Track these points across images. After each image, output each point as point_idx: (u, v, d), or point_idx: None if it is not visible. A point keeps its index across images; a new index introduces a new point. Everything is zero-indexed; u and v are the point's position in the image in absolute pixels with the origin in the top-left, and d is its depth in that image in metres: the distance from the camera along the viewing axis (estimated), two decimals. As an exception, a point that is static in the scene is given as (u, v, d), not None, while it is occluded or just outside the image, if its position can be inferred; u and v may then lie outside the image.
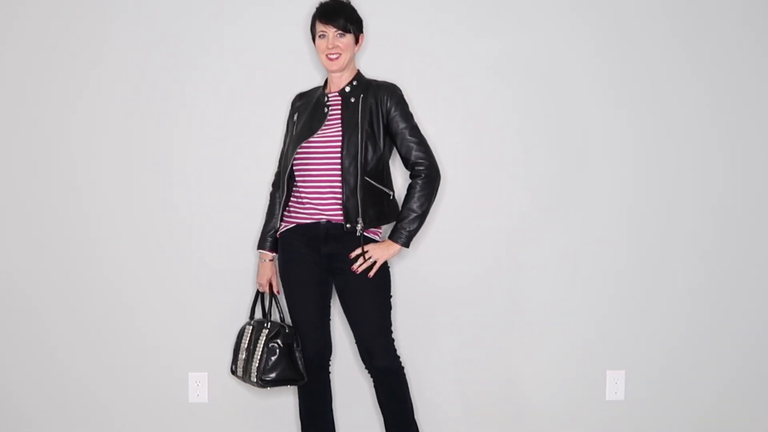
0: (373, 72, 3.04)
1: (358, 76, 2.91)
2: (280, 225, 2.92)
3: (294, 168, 2.85)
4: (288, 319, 2.98)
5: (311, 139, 2.83)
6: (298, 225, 2.86)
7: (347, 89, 2.87)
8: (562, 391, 3.37)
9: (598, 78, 3.29)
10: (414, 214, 2.83)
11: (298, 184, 2.87)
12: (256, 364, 2.87)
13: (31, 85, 3.21)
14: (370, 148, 2.81)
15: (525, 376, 3.36)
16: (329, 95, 2.89)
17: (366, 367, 2.91)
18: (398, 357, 2.90)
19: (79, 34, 3.21)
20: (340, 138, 2.81)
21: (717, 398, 3.41)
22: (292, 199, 2.90)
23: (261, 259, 2.99)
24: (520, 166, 3.30)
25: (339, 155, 2.79)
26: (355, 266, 2.80)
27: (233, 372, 2.98)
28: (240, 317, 3.25)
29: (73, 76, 3.21)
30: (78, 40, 3.21)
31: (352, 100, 2.84)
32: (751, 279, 3.39)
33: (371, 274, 2.80)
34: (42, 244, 3.25)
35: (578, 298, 3.35)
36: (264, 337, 2.88)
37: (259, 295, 3.05)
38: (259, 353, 2.88)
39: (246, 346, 2.94)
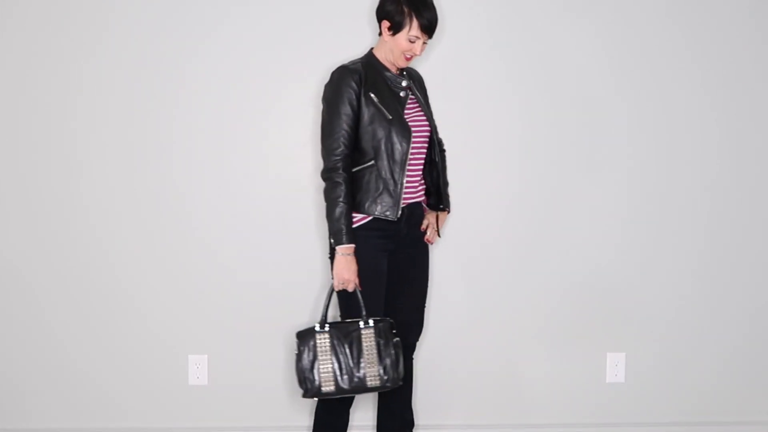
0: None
1: None
2: (363, 215, 2.78)
3: (396, 148, 2.77)
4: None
5: (408, 120, 2.80)
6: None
7: (404, 72, 2.89)
8: (562, 374, 3.37)
9: (598, 63, 3.28)
10: (447, 186, 3.02)
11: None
12: (385, 367, 2.74)
13: (32, 73, 3.19)
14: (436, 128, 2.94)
15: (525, 359, 3.36)
16: (398, 76, 2.85)
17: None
18: None
19: (78, 24, 3.18)
20: (425, 119, 2.87)
21: (716, 380, 3.41)
22: (384, 181, 2.78)
23: (344, 253, 2.74)
24: (518, 147, 3.30)
25: (428, 136, 2.87)
26: (430, 237, 2.94)
27: (314, 391, 2.74)
28: (241, 299, 3.25)
29: (74, 63, 3.19)
30: (77, 31, 3.18)
31: (410, 82, 2.89)
32: (750, 261, 3.39)
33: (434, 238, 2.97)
34: (41, 228, 3.24)
35: (577, 280, 3.34)
36: (385, 334, 2.75)
37: (332, 295, 2.82)
38: (384, 353, 2.74)
39: (334, 354, 2.75)
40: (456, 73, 3.25)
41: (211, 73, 3.21)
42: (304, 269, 3.26)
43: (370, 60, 2.85)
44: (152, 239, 3.25)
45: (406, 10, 2.72)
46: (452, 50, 3.23)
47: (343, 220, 2.72)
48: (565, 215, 3.32)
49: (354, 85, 2.75)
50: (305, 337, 2.78)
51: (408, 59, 2.80)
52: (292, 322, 3.25)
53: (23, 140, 3.21)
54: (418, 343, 3.02)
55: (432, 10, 2.76)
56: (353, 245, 2.74)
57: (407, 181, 2.82)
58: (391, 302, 2.91)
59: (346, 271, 2.73)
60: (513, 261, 3.33)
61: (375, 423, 3.08)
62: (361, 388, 2.75)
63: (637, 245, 3.35)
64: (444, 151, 3.03)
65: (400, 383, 2.79)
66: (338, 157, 2.74)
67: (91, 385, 3.29)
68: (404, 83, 2.85)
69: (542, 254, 3.33)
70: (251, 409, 3.31)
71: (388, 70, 2.84)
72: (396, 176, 2.78)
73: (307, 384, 2.76)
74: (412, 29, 2.74)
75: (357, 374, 2.74)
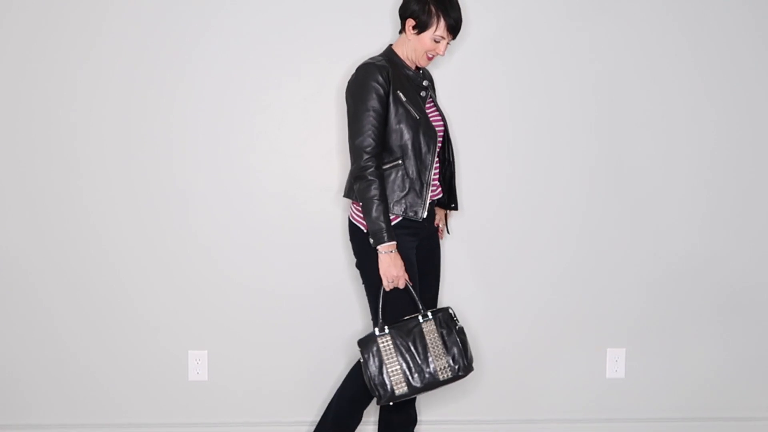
0: (380, 49, 3.02)
1: None
2: (398, 210, 2.75)
3: (422, 148, 2.75)
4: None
5: (432, 122, 2.81)
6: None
7: (422, 71, 2.88)
8: (562, 369, 3.37)
9: (600, 61, 3.28)
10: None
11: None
12: (455, 357, 2.72)
13: (30, 70, 3.17)
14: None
15: (525, 354, 3.36)
16: (424, 79, 2.84)
17: None
18: None
19: (76, 19, 3.16)
20: (441, 119, 2.88)
21: (716, 376, 3.42)
22: (410, 181, 2.75)
23: (387, 251, 2.69)
24: (516, 142, 3.30)
25: (443, 136, 2.87)
26: (443, 232, 3.01)
27: (389, 395, 2.70)
28: (241, 295, 3.24)
29: (72, 59, 3.17)
30: (75, 27, 3.16)
31: (427, 83, 2.88)
32: (749, 256, 3.39)
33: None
34: (41, 225, 3.22)
35: (578, 276, 3.35)
36: (447, 323, 2.74)
37: (384, 295, 2.75)
38: (451, 342, 2.72)
39: (401, 354, 2.71)
40: (466, 72, 3.24)
41: (209, 69, 3.19)
42: (304, 265, 3.26)
43: (392, 57, 2.81)
44: (152, 236, 3.24)
45: (433, 9, 2.69)
46: (461, 51, 3.22)
47: (382, 218, 2.67)
48: (564, 211, 3.32)
49: (382, 81, 2.70)
50: (367, 343, 2.73)
51: (430, 59, 2.78)
52: (291, 317, 3.26)
53: (22, 136, 3.19)
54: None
55: (458, 10, 2.73)
56: (395, 242, 2.69)
57: (433, 182, 2.83)
58: None
59: (394, 267, 2.69)
60: (513, 257, 3.33)
61: (375, 419, 3.08)
62: (434, 383, 2.72)
63: (636, 242, 3.35)
64: None
65: (473, 369, 2.75)
66: (369, 155, 2.69)
67: (91, 380, 3.28)
68: (425, 83, 2.84)
69: (542, 250, 3.33)
70: (251, 404, 3.30)
71: (408, 68, 2.82)
72: (423, 177, 2.76)
73: (379, 390, 2.71)
74: (439, 29, 2.71)
75: (427, 370, 2.71)
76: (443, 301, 3.25)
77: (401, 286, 2.72)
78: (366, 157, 2.69)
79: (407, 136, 2.73)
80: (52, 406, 3.28)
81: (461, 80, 3.24)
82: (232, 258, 3.25)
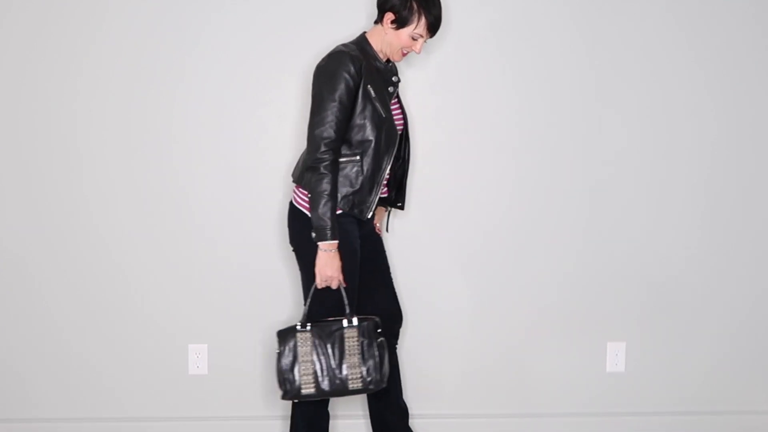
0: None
1: None
2: (344, 206, 2.70)
3: (382, 147, 2.69)
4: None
5: (395, 117, 2.77)
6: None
7: (391, 65, 2.81)
8: (562, 363, 3.37)
9: (599, 58, 3.27)
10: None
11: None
12: (368, 368, 2.64)
13: (31, 65, 3.16)
14: None
15: (525, 349, 3.36)
16: (394, 75, 2.78)
17: (384, 335, 2.82)
18: None
19: (77, 14, 3.15)
20: (402, 117, 2.83)
21: (717, 370, 3.41)
22: (364, 179, 2.69)
23: (326, 249, 2.63)
24: (516, 135, 3.29)
25: (402, 133, 2.82)
26: (380, 228, 2.93)
27: (293, 392, 2.66)
28: (241, 289, 3.23)
29: (73, 53, 3.16)
30: (76, 22, 3.15)
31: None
32: (749, 250, 3.39)
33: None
34: (42, 218, 3.22)
35: (578, 270, 3.34)
36: (369, 334, 2.65)
37: (315, 292, 2.69)
38: (367, 354, 2.64)
39: (315, 354, 2.66)
40: (456, 70, 3.23)
41: (210, 64, 3.19)
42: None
43: (364, 47, 2.71)
44: (152, 229, 3.24)
45: (415, 6, 2.62)
46: (453, 47, 3.22)
47: (329, 215, 2.59)
48: (564, 206, 3.32)
49: (354, 73, 2.61)
50: (286, 336, 2.69)
51: (404, 55, 2.72)
52: (291, 312, 3.25)
53: (23, 128, 3.19)
54: (415, 330, 3.02)
55: (439, 7, 2.67)
56: (337, 241, 2.63)
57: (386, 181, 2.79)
58: (371, 295, 2.86)
59: (330, 268, 2.62)
60: (513, 251, 3.32)
61: (361, 413, 3.10)
62: (343, 390, 2.66)
63: (636, 234, 3.34)
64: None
65: (383, 386, 2.69)
66: (327, 148, 2.60)
67: (91, 374, 3.28)
68: (394, 78, 2.76)
69: (542, 244, 3.32)
70: (251, 398, 3.30)
71: (380, 61, 2.73)
72: (376, 176, 2.69)
73: (286, 385, 2.67)
74: (419, 27, 2.65)
75: (339, 376, 2.65)
76: (438, 296, 3.25)
77: (334, 286, 2.65)
78: (323, 149, 2.60)
79: (370, 134, 2.65)
80: (53, 401, 3.28)
81: (447, 75, 3.23)
82: (232, 252, 3.25)
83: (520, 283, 3.34)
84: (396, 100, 2.82)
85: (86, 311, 3.26)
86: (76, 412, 3.28)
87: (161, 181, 3.22)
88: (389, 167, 2.75)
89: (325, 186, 2.60)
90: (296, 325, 2.69)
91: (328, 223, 2.60)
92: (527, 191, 3.31)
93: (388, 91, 2.73)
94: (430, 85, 3.21)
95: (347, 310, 2.67)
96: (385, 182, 2.78)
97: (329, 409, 2.90)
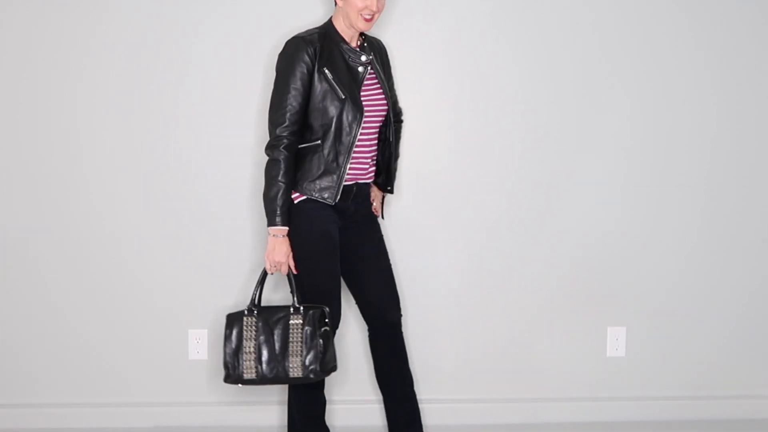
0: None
1: None
2: (299, 193, 2.69)
3: (344, 130, 2.65)
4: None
5: (364, 99, 2.69)
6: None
7: (365, 45, 2.76)
8: (563, 348, 3.37)
9: (600, 48, 3.25)
10: (395, 163, 2.92)
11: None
12: (308, 358, 2.60)
13: (32, 59, 3.16)
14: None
15: (526, 334, 3.36)
16: (358, 50, 2.71)
17: (372, 323, 2.87)
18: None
19: (77, 7, 3.15)
20: (383, 97, 2.75)
21: (717, 354, 3.41)
22: (326, 163, 2.67)
23: (275, 235, 2.64)
24: (519, 121, 3.28)
25: (384, 115, 2.75)
26: (378, 210, 2.88)
27: (236, 377, 2.64)
28: (241, 274, 3.23)
29: (74, 44, 3.16)
30: (77, 15, 3.15)
31: (371, 57, 2.75)
32: (749, 235, 3.38)
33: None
34: (45, 204, 3.22)
35: (578, 255, 3.33)
36: (313, 323, 2.61)
37: (265, 278, 2.73)
38: (309, 343, 2.60)
39: (258, 340, 2.63)
40: (458, 55, 3.22)
41: (213, 53, 3.18)
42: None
43: (328, 30, 2.69)
44: (154, 216, 3.24)
45: None
46: (454, 33, 3.20)
47: (278, 201, 2.60)
48: (565, 192, 3.30)
49: (307, 59, 2.60)
50: (233, 320, 2.68)
51: (368, 20, 2.63)
52: (289, 297, 3.25)
53: (24, 117, 3.19)
54: (415, 316, 3.01)
55: None
56: (286, 228, 2.63)
57: (357, 162, 2.72)
58: (358, 283, 2.85)
59: (278, 253, 2.63)
60: (513, 237, 3.31)
61: (359, 398, 3.19)
62: (284, 377, 2.63)
63: (637, 220, 3.33)
64: (401, 122, 2.97)
65: (324, 376, 2.66)
66: (282, 134, 2.61)
67: (91, 360, 3.29)
68: (363, 58, 2.71)
69: (542, 230, 3.32)
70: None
71: (346, 42, 2.70)
72: (340, 159, 2.67)
73: (229, 369, 2.65)
74: None
75: (280, 363, 2.62)
76: (438, 282, 3.24)
77: (284, 272, 2.66)
78: (276, 134, 2.63)
79: (330, 114, 2.64)
80: (54, 386, 3.29)
81: (447, 62, 3.21)
82: (232, 237, 3.25)
83: (520, 269, 3.33)
84: (376, 81, 2.75)
85: (87, 297, 3.27)
86: (77, 397, 3.30)
87: (163, 168, 3.22)
88: (361, 149, 2.71)
89: (277, 171, 2.61)
90: (244, 310, 2.68)
91: (276, 208, 2.61)
92: (528, 178, 3.29)
93: (356, 71, 2.69)
94: (430, 69, 3.18)
95: (294, 298, 2.66)
96: (364, 164, 2.75)
97: (325, 393, 2.91)
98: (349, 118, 2.65)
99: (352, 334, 3.23)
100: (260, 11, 3.17)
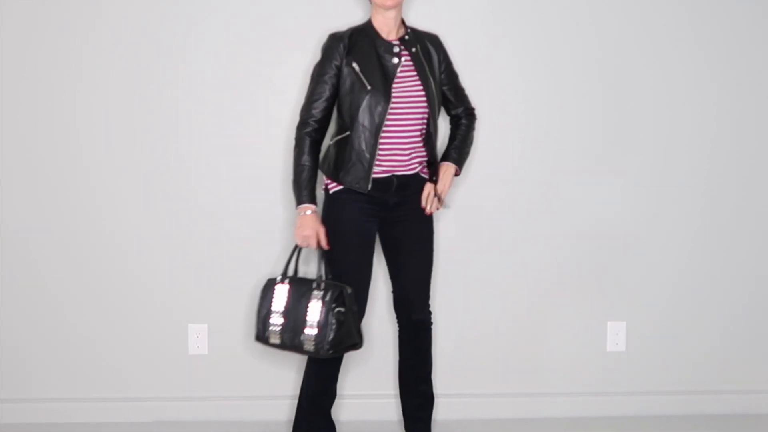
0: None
1: (403, 22, 2.86)
2: (336, 183, 2.79)
3: (371, 120, 2.73)
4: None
5: (395, 93, 2.74)
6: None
7: (407, 38, 2.82)
8: (563, 343, 3.37)
9: (600, 38, 3.26)
10: (465, 146, 2.95)
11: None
12: (319, 333, 2.67)
13: (32, 56, 3.16)
14: (439, 100, 2.86)
15: (525, 328, 3.36)
16: (392, 43, 2.78)
17: (399, 319, 2.94)
18: (431, 311, 2.96)
19: (77, 2, 3.15)
20: (422, 89, 2.78)
21: (717, 349, 3.41)
22: (356, 153, 2.75)
23: (303, 212, 2.77)
24: (520, 117, 3.28)
25: (424, 107, 2.78)
26: (428, 208, 2.84)
27: (263, 338, 2.78)
28: (241, 268, 3.23)
29: (74, 41, 3.16)
30: (76, 9, 3.15)
31: (413, 49, 2.81)
32: (750, 229, 3.38)
33: (435, 208, 2.86)
34: (44, 200, 3.22)
35: (579, 249, 3.33)
36: (329, 301, 2.69)
37: (298, 251, 2.83)
38: (322, 319, 2.68)
39: (285, 308, 2.74)
40: (461, 44, 3.21)
41: (213, 46, 3.18)
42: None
43: (365, 27, 2.81)
44: (153, 210, 3.23)
45: None
46: (456, 22, 3.20)
47: (301, 181, 2.76)
48: (565, 188, 3.30)
49: (336, 54, 2.76)
50: (268, 285, 2.80)
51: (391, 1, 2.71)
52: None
53: (24, 116, 3.19)
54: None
55: None
56: (313, 205, 2.76)
57: (391, 153, 2.77)
58: (395, 278, 2.93)
59: (305, 228, 2.75)
60: (513, 232, 3.31)
61: (370, 393, 3.19)
62: (299, 348, 2.73)
63: (637, 214, 3.33)
64: (470, 117, 2.98)
65: (334, 355, 2.73)
66: (307, 120, 2.78)
67: (92, 355, 3.29)
68: (396, 49, 2.77)
69: (542, 225, 3.32)
70: (251, 378, 3.31)
71: (381, 37, 2.78)
72: (368, 149, 2.74)
73: (259, 327, 2.79)
74: None
75: (299, 334, 2.71)
76: (438, 276, 3.24)
77: (313, 246, 2.77)
78: (304, 118, 2.80)
79: (356, 105, 2.73)
80: (54, 381, 3.29)
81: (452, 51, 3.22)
82: (232, 232, 3.25)
83: (520, 263, 3.33)
84: (413, 74, 2.79)
85: (87, 292, 3.26)
86: (77, 392, 3.29)
87: (162, 164, 3.22)
88: (395, 140, 2.76)
89: (301, 151, 2.78)
90: (276, 278, 2.79)
91: (301, 188, 2.77)
92: (529, 173, 3.30)
93: (387, 64, 2.75)
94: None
95: (320, 273, 2.75)
96: (400, 156, 2.79)
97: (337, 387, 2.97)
98: (376, 108, 2.72)
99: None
100: (255, 11, 3.17)
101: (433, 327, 3.00)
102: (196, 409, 3.29)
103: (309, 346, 2.70)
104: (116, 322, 3.28)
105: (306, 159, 2.77)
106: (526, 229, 3.32)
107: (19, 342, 3.27)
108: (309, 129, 2.79)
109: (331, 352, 2.71)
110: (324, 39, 2.84)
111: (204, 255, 3.25)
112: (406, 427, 3.04)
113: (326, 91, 2.77)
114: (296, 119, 3.17)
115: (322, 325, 2.69)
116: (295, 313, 2.73)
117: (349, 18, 3.03)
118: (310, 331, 2.70)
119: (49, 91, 3.18)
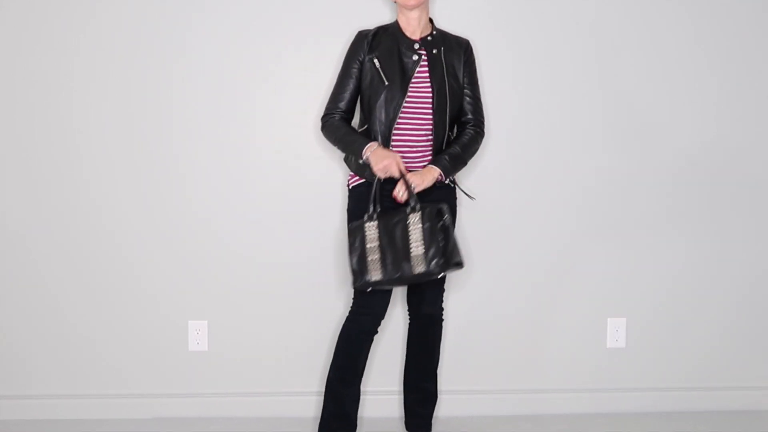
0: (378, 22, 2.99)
1: (432, 23, 2.90)
2: (358, 177, 2.84)
3: (386, 114, 2.79)
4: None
5: (411, 90, 2.79)
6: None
7: (429, 38, 2.85)
8: (563, 339, 3.37)
9: (600, 30, 3.26)
10: (461, 153, 2.87)
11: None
12: (427, 250, 2.67)
13: (29, 54, 3.16)
14: (454, 104, 2.85)
15: (525, 325, 3.36)
16: (415, 43, 2.83)
17: (410, 311, 2.96)
18: (443, 307, 2.97)
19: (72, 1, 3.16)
20: (430, 91, 2.81)
21: (717, 346, 3.42)
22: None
23: (371, 152, 2.74)
24: (517, 114, 3.27)
25: (430, 111, 2.81)
26: (399, 195, 2.77)
27: (362, 280, 2.73)
28: (241, 265, 3.23)
29: (69, 39, 3.16)
30: (71, 8, 3.15)
31: (435, 51, 2.84)
32: (751, 226, 3.38)
33: (404, 198, 2.76)
34: (42, 198, 3.22)
35: (579, 245, 3.33)
36: (431, 217, 2.68)
37: (379, 185, 2.77)
38: (428, 236, 2.67)
39: (380, 243, 2.72)
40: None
41: (208, 41, 3.18)
42: (304, 234, 3.25)
43: (390, 26, 2.88)
44: (152, 207, 3.23)
45: None
46: (456, 18, 3.20)
47: (349, 137, 2.80)
48: (566, 183, 3.31)
49: (361, 50, 2.83)
50: (355, 229, 2.76)
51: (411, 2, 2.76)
52: (291, 287, 3.25)
53: (21, 113, 3.19)
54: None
55: None
56: (374, 143, 2.76)
57: (405, 149, 2.81)
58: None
59: (382, 158, 2.72)
60: (512, 228, 3.32)
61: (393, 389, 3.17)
62: (408, 275, 2.69)
63: (636, 212, 3.34)
64: (474, 126, 2.93)
65: (449, 270, 2.72)
66: (330, 111, 2.87)
67: (91, 351, 3.28)
68: (415, 46, 2.82)
69: (541, 222, 3.32)
70: (251, 374, 3.31)
71: (403, 34, 2.84)
72: (383, 141, 2.79)
73: (357, 275, 2.74)
74: None
75: (405, 261, 2.69)
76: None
77: (394, 172, 2.72)
78: (329, 107, 2.87)
79: (374, 99, 2.79)
80: (54, 377, 3.29)
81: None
82: (231, 228, 3.25)
83: (519, 259, 3.33)
84: (426, 71, 2.81)
85: (86, 289, 3.26)
86: (77, 388, 3.29)
87: (160, 159, 3.21)
88: (409, 137, 2.80)
89: (335, 125, 2.84)
90: (364, 218, 2.76)
91: (354, 144, 2.78)
92: (529, 171, 3.30)
93: (409, 60, 2.80)
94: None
95: (411, 202, 2.71)
96: (414, 153, 2.82)
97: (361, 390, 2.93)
98: (391, 103, 2.78)
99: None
100: (264, 15, 3.17)
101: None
102: (196, 406, 3.29)
103: (419, 268, 2.68)
104: (116, 318, 3.28)
105: (339, 123, 2.84)
106: (526, 225, 3.32)
107: (19, 339, 3.27)
108: (335, 115, 2.86)
109: (442, 262, 2.68)
110: (352, 37, 2.89)
111: (204, 251, 3.25)
112: (405, 422, 3.05)
113: (350, 85, 2.85)
114: (296, 115, 3.19)
115: (429, 242, 2.68)
116: (393, 244, 2.70)
117: (377, 18, 3.07)
118: (417, 250, 2.69)
119: (46, 89, 3.18)
